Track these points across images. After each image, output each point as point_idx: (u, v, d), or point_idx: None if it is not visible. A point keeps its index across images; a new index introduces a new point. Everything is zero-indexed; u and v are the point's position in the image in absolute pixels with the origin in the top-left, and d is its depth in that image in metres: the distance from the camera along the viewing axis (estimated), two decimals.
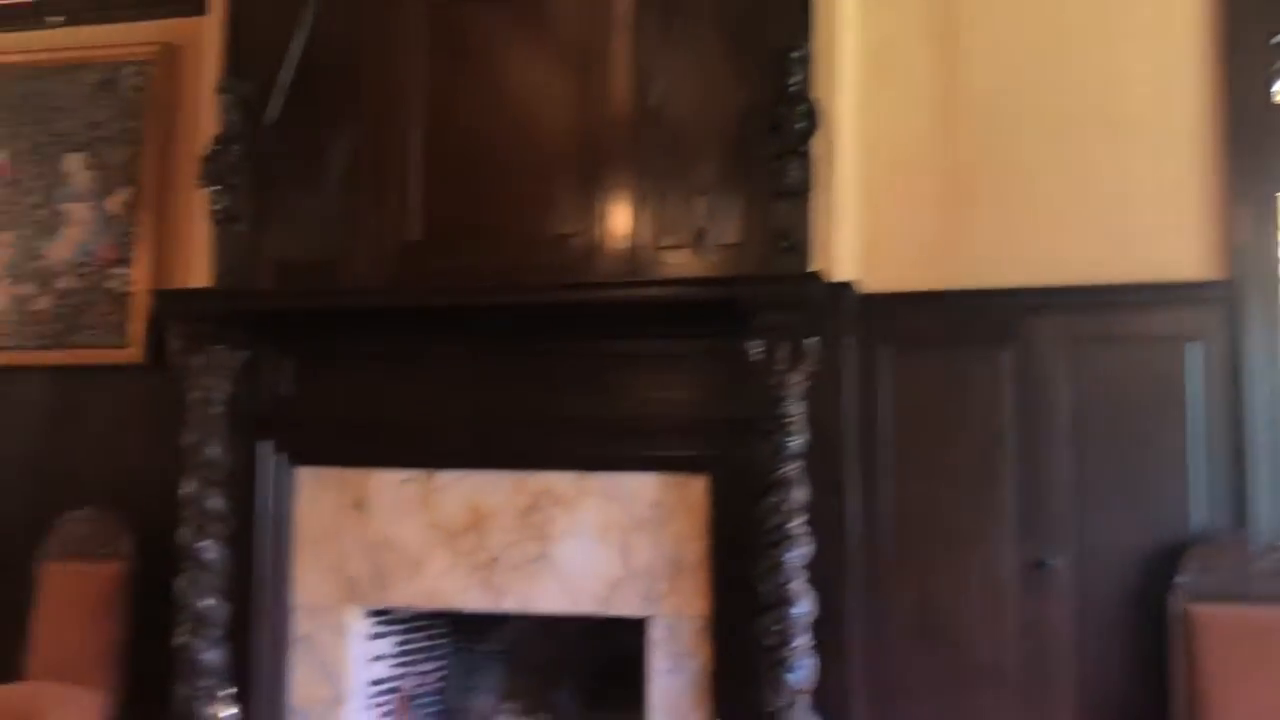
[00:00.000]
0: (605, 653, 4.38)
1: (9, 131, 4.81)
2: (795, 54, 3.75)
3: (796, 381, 3.63)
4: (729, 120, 3.87)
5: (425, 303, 3.99)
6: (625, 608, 3.92)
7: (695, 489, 3.89)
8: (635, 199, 3.92)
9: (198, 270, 4.27)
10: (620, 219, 3.94)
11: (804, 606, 3.59)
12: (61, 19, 4.85)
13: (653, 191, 3.91)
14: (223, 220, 4.19)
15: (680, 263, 3.87)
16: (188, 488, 4.10)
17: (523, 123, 4.05)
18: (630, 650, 4.17)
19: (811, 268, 3.71)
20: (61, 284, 4.71)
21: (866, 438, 3.85)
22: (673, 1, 3.95)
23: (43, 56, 4.81)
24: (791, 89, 3.74)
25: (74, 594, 4.40)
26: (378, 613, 4.26)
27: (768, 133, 3.76)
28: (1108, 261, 3.76)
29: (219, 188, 4.16)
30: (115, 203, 4.68)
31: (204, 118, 4.33)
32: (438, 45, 4.13)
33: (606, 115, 3.96)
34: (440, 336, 4.09)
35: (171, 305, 4.21)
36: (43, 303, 4.73)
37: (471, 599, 4.07)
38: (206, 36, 4.41)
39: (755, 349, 3.61)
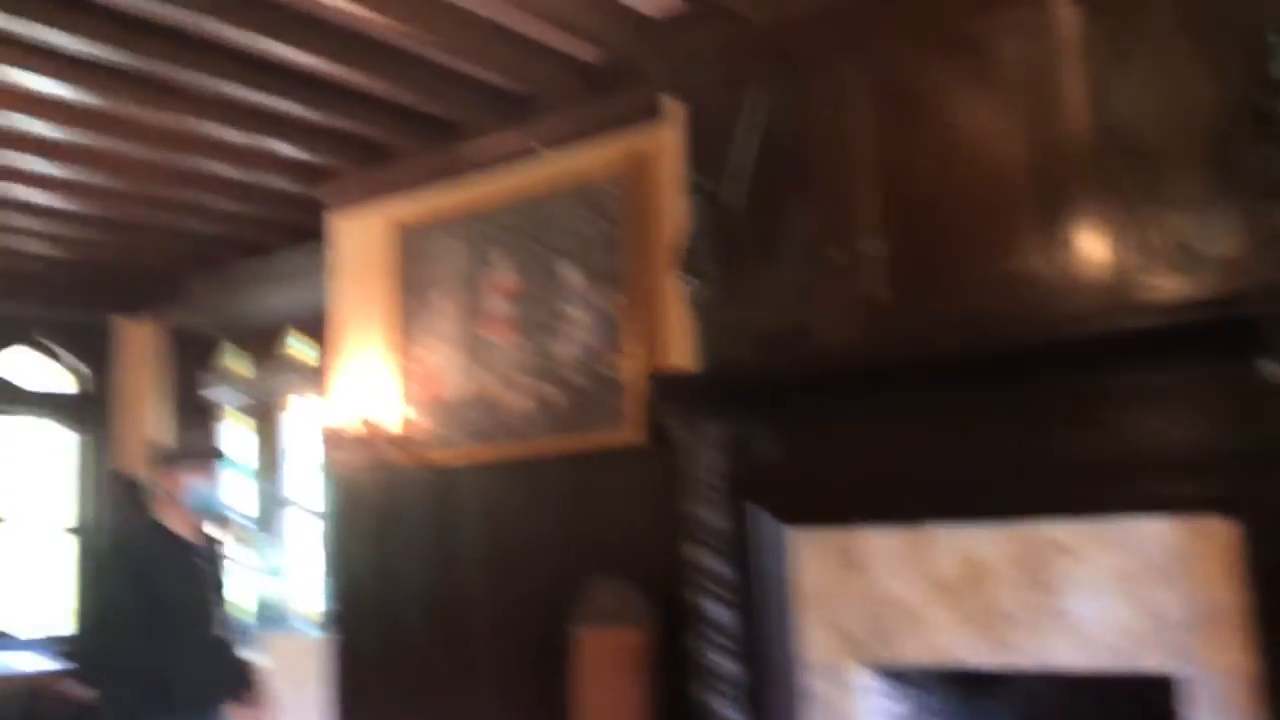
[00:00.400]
0: (1127, 713, 4.05)
1: (517, 251, 5.54)
2: (1276, 34, 3.38)
3: None
4: (1204, 120, 3.56)
5: (893, 359, 4.02)
6: (1149, 663, 3.62)
7: (1217, 530, 3.53)
8: (1108, 224, 3.71)
9: (682, 354, 4.65)
10: (1094, 246, 3.74)
11: None
12: (543, 149, 5.53)
13: (1127, 214, 3.68)
14: (700, 306, 4.52)
15: (1168, 285, 3.58)
16: (692, 554, 4.41)
17: (978, 168, 4.00)
18: (1157, 710, 3.85)
19: None
20: (570, 378, 5.30)
21: None
22: (1125, 7, 3.73)
23: (538, 183, 5.50)
24: (1274, 71, 3.37)
25: (605, 658, 4.86)
26: (889, 673, 4.27)
27: (1252, 125, 3.41)
28: None
29: (694, 277, 4.51)
30: (607, 302, 5.20)
31: (673, 213, 4.74)
32: (884, 104, 4.21)
33: (1065, 141, 3.81)
34: (917, 391, 4.08)
35: (665, 388, 4.60)
36: (557, 397, 5.34)
37: (976, 655, 3.96)
38: (668, 142, 4.85)
39: (1272, 369, 3.24)
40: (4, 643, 7.40)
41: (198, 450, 4.73)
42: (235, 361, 7.38)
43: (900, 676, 4.34)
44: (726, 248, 4.48)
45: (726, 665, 4.33)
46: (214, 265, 7.45)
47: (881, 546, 4.20)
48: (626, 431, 5.06)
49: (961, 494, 4.02)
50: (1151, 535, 3.65)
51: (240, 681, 4.14)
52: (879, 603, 4.17)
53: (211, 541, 4.51)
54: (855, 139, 4.26)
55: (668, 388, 4.59)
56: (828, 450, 4.29)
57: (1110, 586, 3.70)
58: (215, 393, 7.48)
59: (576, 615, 5.05)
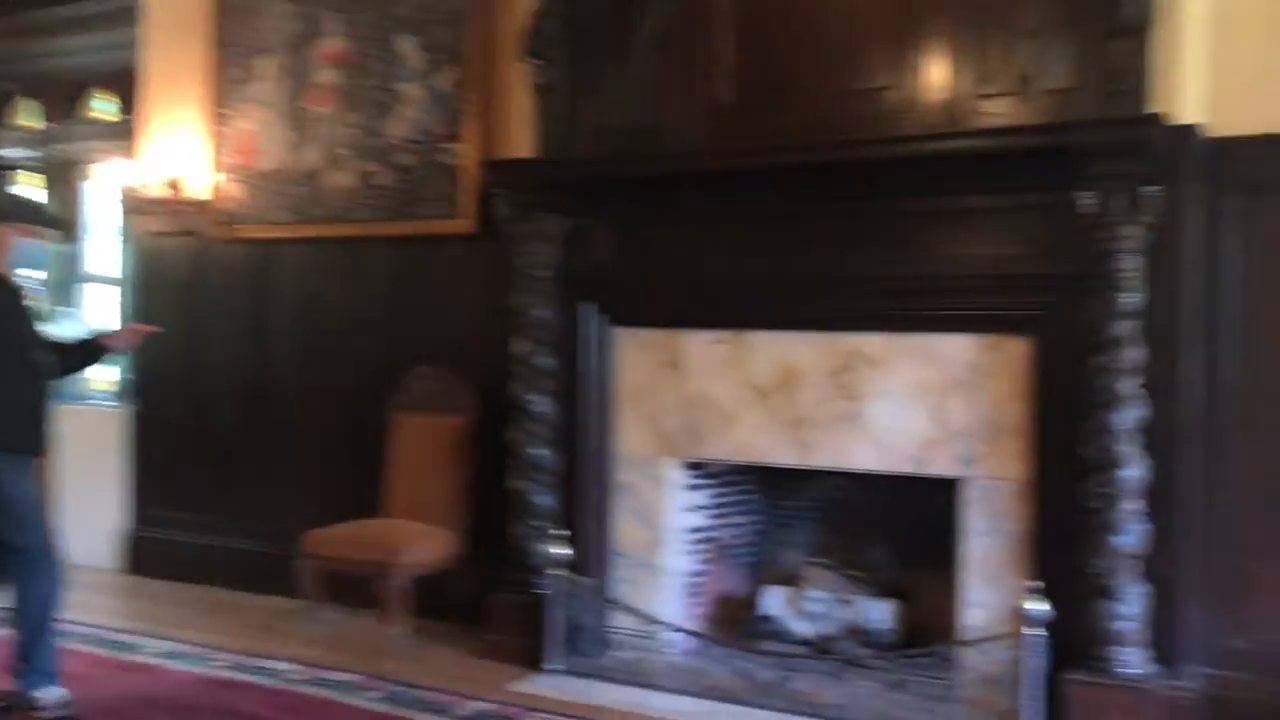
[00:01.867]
0: (917, 512, 4.39)
1: (352, 20, 5.19)
2: None
3: (1132, 234, 3.43)
4: None
5: (744, 164, 4.03)
6: (939, 468, 3.91)
7: (1015, 350, 3.78)
8: (952, 48, 3.77)
9: (521, 142, 4.52)
10: (937, 69, 3.80)
11: (1133, 470, 3.45)
12: None
13: (972, 39, 3.74)
14: (544, 93, 4.38)
15: (1003, 112, 3.69)
16: (519, 347, 4.42)
17: None
18: (943, 511, 4.18)
19: (1151, 110, 3.44)
20: (400, 159, 5.09)
21: (1209, 295, 3.58)
22: None
23: None
24: None
25: (424, 443, 4.88)
26: (694, 466, 4.47)
27: None
28: None
29: (540, 62, 4.34)
30: (445, 81, 4.96)
31: None
32: None
33: None
34: (754, 198, 4.13)
35: (500, 176, 4.49)
36: (385, 177, 5.13)
37: (782, 454, 4.18)
38: None
39: (1086, 201, 3.42)
40: None
41: (26, 209, 4.35)
42: (29, 117, 6.73)
43: (710, 472, 4.56)
44: (577, 35, 4.33)
45: (545, 455, 4.42)
46: (9, 8, 6.69)
47: (702, 350, 4.32)
48: (458, 220, 4.94)
49: (782, 304, 4.15)
50: (953, 351, 3.88)
51: (44, 437, 3.95)
52: (695, 402, 4.32)
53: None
54: None
55: (504, 176, 4.48)
56: (660, 253, 4.32)
57: (910, 397, 3.94)
58: (5, 149, 6.83)
59: (396, 400, 5.02)
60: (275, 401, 5.52)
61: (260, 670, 4.26)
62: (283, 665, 4.31)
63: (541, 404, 4.41)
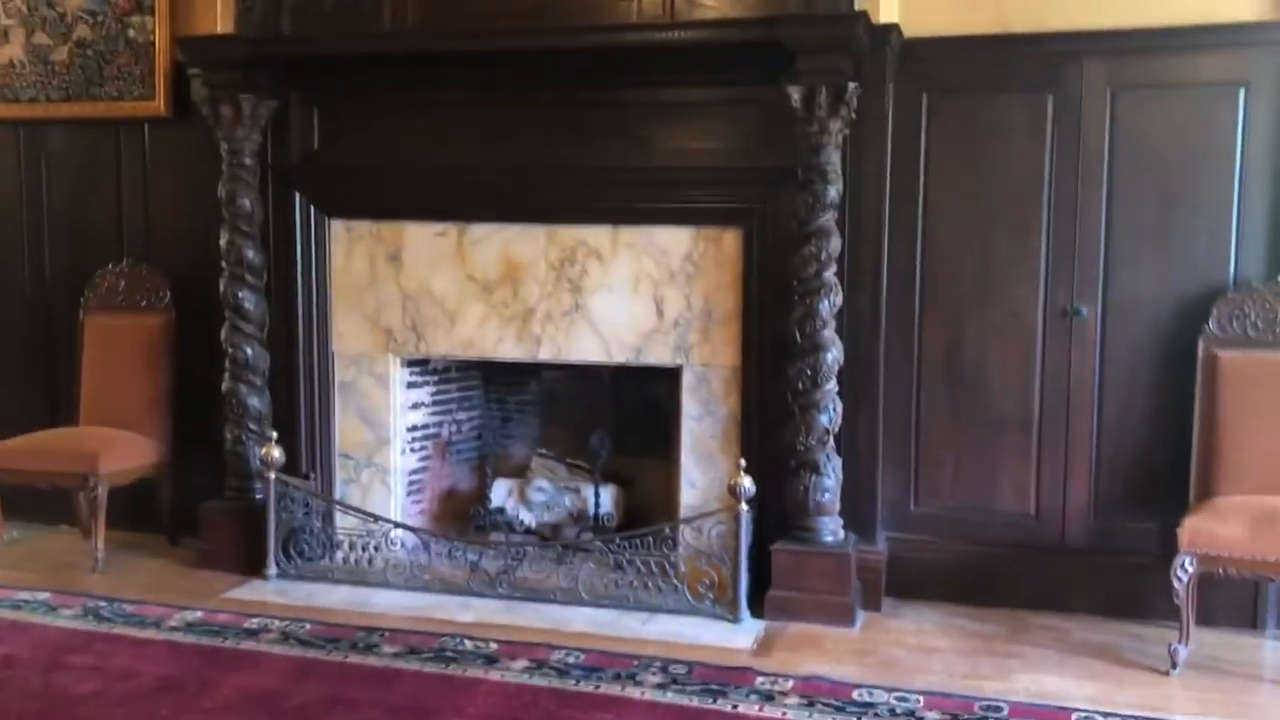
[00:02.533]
0: (637, 401, 4.52)
1: None
2: None
3: (836, 129, 3.59)
4: None
5: (455, 47, 3.89)
6: (658, 358, 4.03)
7: (729, 241, 3.91)
8: None
9: (215, 18, 4.16)
10: None
11: (833, 353, 3.68)
12: None
13: None
14: None
15: (718, 5, 3.75)
16: (224, 240, 4.15)
17: None
18: (662, 399, 4.33)
19: (854, 9, 3.60)
20: (82, 34, 4.58)
21: (901, 186, 3.83)
22: None
23: None
24: None
25: (119, 345, 4.52)
26: (416, 363, 4.39)
27: None
28: (1156, 3, 3.62)
29: None
30: None
31: None
32: None
33: None
34: (470, 85, 4.02)
35: (195, 53, 4.13)
36: (64, 54, 4.62)
37: (506, 350, 4.17)
38: None
39: (795, 93, 3.55)
40: None
41: None
42: None
43: (433, 368, 4.49)
44: None
45: (256, 355, 4.20)
46: None
47: (424, 243, 4.20)
48: (150, 101, 4.52)
49: (505, 196, 4.09)
50: (671, 243, 3.97)
51: None
52: (416, 297, 4.22)
53: None
54: None
55: (200, 53, 4.12)
56: (374, 143, 4.15)
57: (631, 289, 4.01)
58: None
59: (85, 300, 4.60)
60: None
61: None
62: None
63: (250, 300, 4.17)
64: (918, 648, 3.50)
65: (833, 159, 3.61)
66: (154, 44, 4.48)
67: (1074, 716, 2.97)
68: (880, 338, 3.82)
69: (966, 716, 2.95)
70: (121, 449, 4.28)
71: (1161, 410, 3.71)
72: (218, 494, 4.26)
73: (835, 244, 3.64)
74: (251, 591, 3.96)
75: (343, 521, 4.21)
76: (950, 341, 3.88)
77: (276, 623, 3.63)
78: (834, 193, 3.62)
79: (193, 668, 3.25)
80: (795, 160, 3.65)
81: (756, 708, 2.99)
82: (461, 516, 4.53)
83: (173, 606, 3.77)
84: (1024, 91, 3.76)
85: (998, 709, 3.00)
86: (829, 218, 3.62)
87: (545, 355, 4.14)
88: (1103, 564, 3.79)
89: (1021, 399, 3.83)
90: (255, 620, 3.65)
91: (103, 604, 3.80)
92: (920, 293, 3.89)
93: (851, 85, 3.55)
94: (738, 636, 3.55)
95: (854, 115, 3.61)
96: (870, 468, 3.86)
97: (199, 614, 3.71)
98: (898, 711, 2.98)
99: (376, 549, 4.12)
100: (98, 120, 4.61)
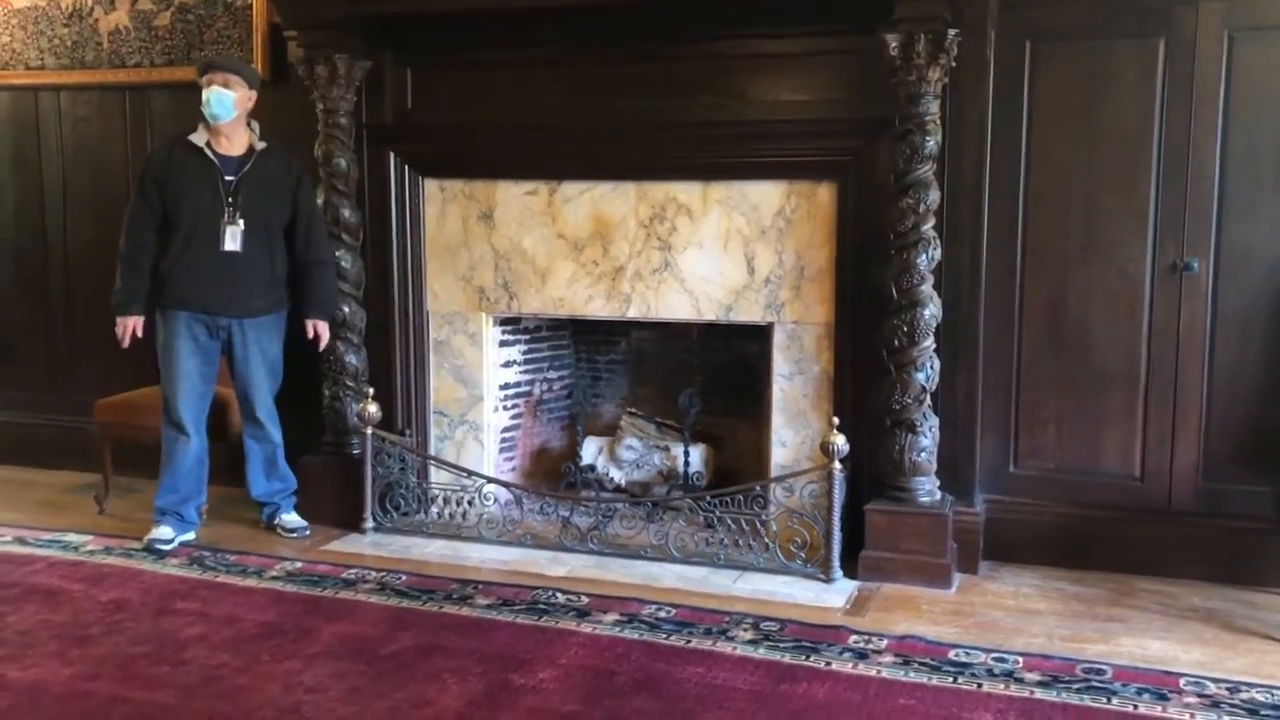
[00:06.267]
0: (727, 360, 4.48)
1: None
2: None
3: (935, 78, 3.49)
4: None
5: (544, 0, 3.87)
6: (748, 316, 3.98)
7: (823, 195, 3.85)
8: None
9: None
10: None
11: (931, 309, 3.59)
12: None
13: None
14: None
15: None
16: (320, 199, 4.21)
17: None
18: (752, 357, 4.28)
19: None
20: None
21: (1002, 137, 3.71)
22: None
23: None
24: None
25: None
26: (507, 321, 4.41)
27: None
28: None
29: None
30: None
31: None
32: None
33: None
34: (561, 41, 4.01)
35: (292, 14, 4.18)
36: (164, 18, 4.72)
37: (596, 308, 4.17)
38: None
39: (893, 42, 3.46)
40: None
41: None
42: None
43: (524, 326, 4.51)
44: None
45: (352, 312, 4.26)
46: None
47: (515, 201, 4.22)
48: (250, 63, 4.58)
49: (595, 153, 4.08)
50: (763, 198, 3.91)
51: None
52: (508, 255, 4.23)
53: None
54: None
55: (297, 15, 4.17)
56: (468, 100, 4.17)
57: (721, 246, 3.97)
58: None
59: None
60: (53, 268, 5.10)
61: (52, 544, 4.03)
62: (73, 537, 4.09)
63: (346, 259, 4.23)
64: (1016, 610, 3.42)
65: (931, 109, 3.51)
66: (252, 6, 4.55)
67: (1182, 681, 2.87)
68: (980, 293, 3.72)
69: (1068, 678, 2.88)
70: (223, 404, 4.38)
71: (1276, 368, 3.56)
72: (316, 449, 4.35)
73: (934, 196, 3.55)
74: (349, 544, 4.04)
75: (437, 477, 4.27)
76: (1053, 297, 3.76)
77: (373, 574, 3.70)
78: (933, 144, 3.52)
79: (293, 615, 3.33)
80: (892, 111, 3.55)
81: (850, 665, 2.96)
82: (552, 474, 4.55)
83: (273, 557, 3.88)
84: (1134, 36, 3.60)
85: (1100, 671, 2.92)
86: (927, 169, 3.52)
87: (634, 313, 4.13)
88: (1211, 528, 3.65)
89: (1127, 357, 3.70)
90: (353, 571, 3.73)
91: (206, 553, 3.92)
92: (1022, 246, 3.76)
93: (951, 33, 3.44)
94: (830, 596, 3.52)
95: (954, 64, 3.50)
96: (968, 428, 3.77)
97: (299, 564, 3.81)
98: (996, 672, 2.92)
99: (470, 504, 4.17)
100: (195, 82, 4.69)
